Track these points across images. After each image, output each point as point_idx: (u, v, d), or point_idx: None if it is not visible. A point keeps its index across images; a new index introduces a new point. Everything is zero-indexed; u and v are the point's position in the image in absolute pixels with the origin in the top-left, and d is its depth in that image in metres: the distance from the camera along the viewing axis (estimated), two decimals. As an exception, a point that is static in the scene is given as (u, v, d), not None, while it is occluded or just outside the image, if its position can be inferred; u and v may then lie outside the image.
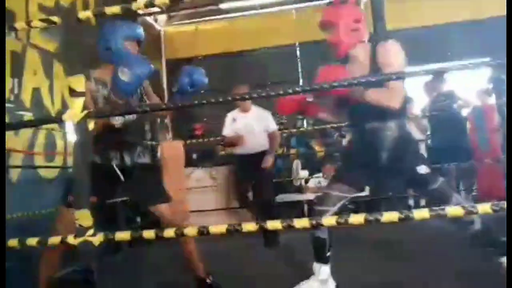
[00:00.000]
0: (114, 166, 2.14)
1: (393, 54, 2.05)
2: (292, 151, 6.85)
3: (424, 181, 2.08)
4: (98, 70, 2.21)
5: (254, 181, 4.31)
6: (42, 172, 3.83)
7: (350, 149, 2.37)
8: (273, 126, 4.37)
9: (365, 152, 2.18)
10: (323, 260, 2.28)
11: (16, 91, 3.63)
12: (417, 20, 6.98)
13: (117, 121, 2.07)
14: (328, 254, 2.29)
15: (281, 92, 1.27)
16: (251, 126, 4.28)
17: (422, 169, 2.07)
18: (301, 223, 1.21)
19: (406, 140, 2.17)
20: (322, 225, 1.18)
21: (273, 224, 1.21)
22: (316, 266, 2.30)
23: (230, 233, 1.22)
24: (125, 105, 2.10)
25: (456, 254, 2.80)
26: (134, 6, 1.50)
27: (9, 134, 3.43)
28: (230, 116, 4.50)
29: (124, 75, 1.83)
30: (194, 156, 6.15)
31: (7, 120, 3.42)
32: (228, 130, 4.45)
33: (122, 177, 2.16)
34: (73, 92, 1.40)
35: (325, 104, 2.35)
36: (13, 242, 1.41)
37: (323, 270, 2.28)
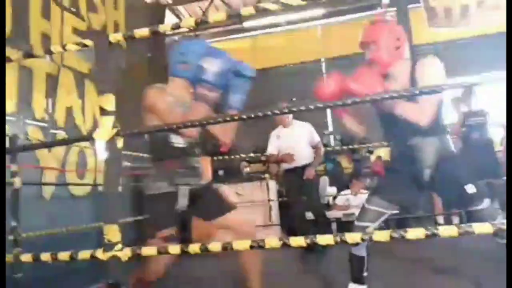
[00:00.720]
0: (184, 191, 2.18)
1: (431, 70, 2.02)
2: (320, 167, 6.79)
3: (470, 200, 1.99)
4: (168, 85, 2.20)
5: (302, 194, 4.31)
6: (74, 189, 3.95)
7: (391, 164, 2.29)
8: (317, 137, 4.43)
9: (407, 168, 2.11)
10: (359, 280, 2.19)
11: (50, 111, 3.79)
12: (444, 34, 6.90)
13: (180, 142, 2.16)
14: (365, 274, 2.19)
15: (309, 107, 1.28)
16: (295, 140, 4.31)
17: (470, 188, 1.98)
18: (324, 239, 1.20)
19: (451, 157, 2.09)
20: (346, 242, 1.17)
21: (297, 241, 1.21)
22: (352, 287, 2.20)
23: (254, 249, 1.22)
24: (218, 99, 2.05)
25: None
26: (161, 28, 1.55)
27: (43, 152, 3.57)
28: (274, 133, 4.51)
29: (210, 65, 1.90)
30: (220, 172, 6.20)
31: (42, 138, 3.57)
32: (273, 147, 4.46)
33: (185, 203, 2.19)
34: (103, 111, 1.45)
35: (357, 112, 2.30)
36: (45, 256, 1.46)
37: None
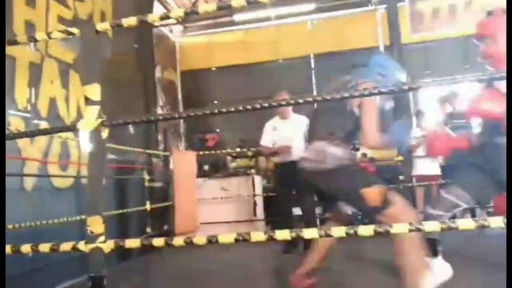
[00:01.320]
0: None
1: None
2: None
3: None
4: None
5: (296, 189, 4.25)
6: (56, 182, 3.88)
7: (478, 158, 2.30)
8: None
9: (489, 164, 2.14)
10: (435, 254, 2.27)
11: (33, 101, 3.71)
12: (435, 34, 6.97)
13: None
14: (440, 248, 2.27)
15: (309, 99, 1.28)
16: (292, 134, 4.19)
17: None
18: (309, 233, 1.21)
19: None
20: (330, 235, 1.17)
21: (282, 234, 1.21)
22: (432, 260, 2.28)
23: (239, 243, 1.22)
24: None
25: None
26: (149, 18, 1.53)
27: (25, 143, 3.50)
28: (269, 124, 4.38)
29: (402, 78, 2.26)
30: (206, 167, 6.18)
31: (23, 129, 3.49)
32: (269, 139, 4.33)
33: None
34: (88, 101, 1.42)
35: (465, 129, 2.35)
36: (25, 248, 1.43)
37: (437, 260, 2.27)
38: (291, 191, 4.31)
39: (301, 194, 4.19)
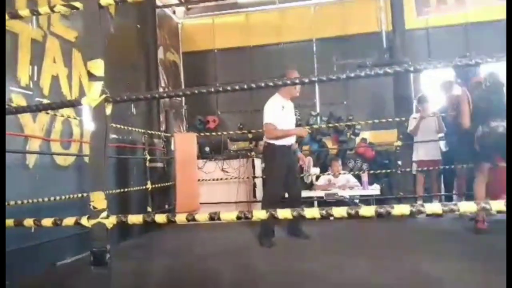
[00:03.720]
0: None
1: None
2: (305, 148, 6.82)
3: None
4: None
5: (290, 172, 4.00)
6: (58, 159, 3.90)
7: None
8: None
9: None
10: None
11: (35, 79, 3.69)
12: (436, 20, 6.92)
13: None
14: None
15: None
16: (292, 116, 4.03)
17: None
18: (312, 213, 1.21)
19: None
20: (332, 215, 1.18)
21: (284, 213, 1.21)
22: None
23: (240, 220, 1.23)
24: None
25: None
26: (154, -6, 1.51)
27: (27, 120, 3.50)
28: (277, 102, 3.89)
29: None
30: (207, 149, 6.18)
31: (25, 105, 3.48)
32: (279, 117, 3.82)
33: None
34: (92, 76, 1.42)
35: None
36: (28, 222, 1.44)
37: None
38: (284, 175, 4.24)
39: (295, 179, 4.10)
